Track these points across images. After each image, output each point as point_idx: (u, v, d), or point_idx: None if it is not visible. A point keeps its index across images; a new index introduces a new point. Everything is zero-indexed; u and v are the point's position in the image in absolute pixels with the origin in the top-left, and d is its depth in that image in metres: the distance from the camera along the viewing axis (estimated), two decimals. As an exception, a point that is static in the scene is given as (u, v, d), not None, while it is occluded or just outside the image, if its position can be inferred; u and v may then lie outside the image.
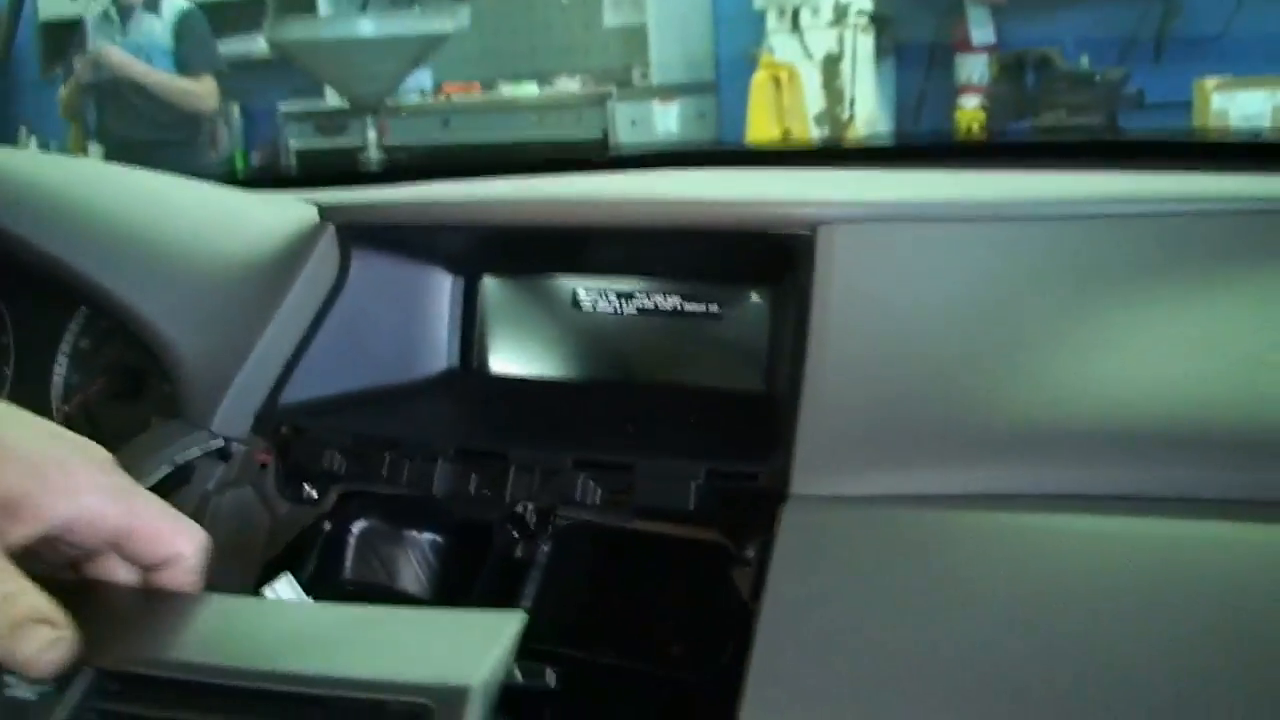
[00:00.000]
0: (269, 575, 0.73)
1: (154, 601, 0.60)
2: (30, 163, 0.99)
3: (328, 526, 0.79)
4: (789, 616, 0.56)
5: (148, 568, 0.61)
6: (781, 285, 0.78)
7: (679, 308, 0.82)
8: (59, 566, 0.63)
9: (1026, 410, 0.64)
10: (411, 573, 0.82)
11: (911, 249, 0.72)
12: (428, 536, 0.82)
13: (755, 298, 0.80)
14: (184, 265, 0.87)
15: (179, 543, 0.60)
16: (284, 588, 0.66)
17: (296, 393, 0.82)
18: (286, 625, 0.57)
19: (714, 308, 0.81)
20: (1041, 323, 0.68)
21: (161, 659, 0.53)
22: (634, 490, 0.70)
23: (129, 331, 0.86)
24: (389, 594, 0.80)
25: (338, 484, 0.80)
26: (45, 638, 0.53)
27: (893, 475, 0.63)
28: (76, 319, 0.98)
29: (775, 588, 0.58)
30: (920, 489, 0.62)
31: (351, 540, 0.81)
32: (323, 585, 0.77)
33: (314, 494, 0.80)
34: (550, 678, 0.54)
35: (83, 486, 0.58)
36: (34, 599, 0.54)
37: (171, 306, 0.85)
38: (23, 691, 0.52)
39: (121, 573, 0.61)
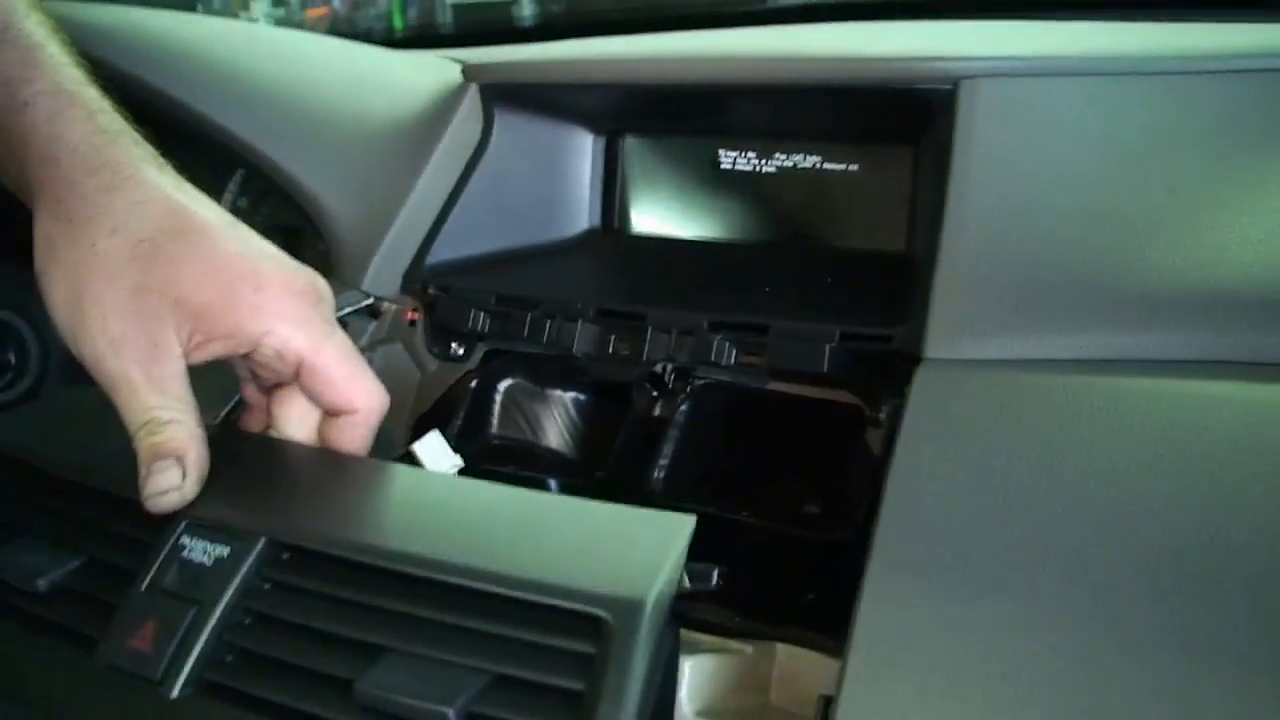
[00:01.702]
0: (419, 431, 0.76)
1: (329, 468, 0.62)
2: (186, 25, 1.01)
3: (474, 383, 0.82)
4: (918, 478, 0.56)
5: (327, 411, 0.63)
6: (922, 142, 0.76)
7: (818, 166, 0.81)
8: (254, 399, 0.65)
9: (1172, 274, 0.62)
10: (554, 429, 0.84)
11: (1055, 105, 0.69)
12: (570, 394, 0.84)
13: (896, 155, 0.79)
14: (333, 127, 0.89)
15: (357, 394, 0.62)
16: (433, 442, 0.69)
17: (442, 252, 0.84)
18: (459, 508, 0.58)
19: (854, 166, 0.80)
20: (1188, 183, 0.66)
21: (334, 535, 0.55)
22: (768, 351, 0.70)
23: (284, 192, 0.89)
24: (532, 450, 0.83)
25: (483, 342, 0.82)
26: (171, 481, 0.56)
27: (1029, 339, 0.61)
28: (235, 179, 1.01)
29: (905, 450, 0.57)
30: (1057, 353, 0.61)
31: (497, 397, 0.83)
32: (469, 440, 0.79)
33: (460, 351, 0.83)
34: (715, 578, 0.54)
35: (275, 311, 0.59)
36: (182, 433, 0.57)
37: (322, 168, 0.87)
38: (198, 555, 0.55)
39: (301, 411, 0.63)
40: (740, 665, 0.63)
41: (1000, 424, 0.58)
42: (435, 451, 0.69)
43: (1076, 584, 0.51)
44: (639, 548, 0.52)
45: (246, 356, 0.61)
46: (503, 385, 0.83)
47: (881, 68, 0.73)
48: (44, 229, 0.58)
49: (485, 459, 0.77)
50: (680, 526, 0.53)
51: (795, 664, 0.63)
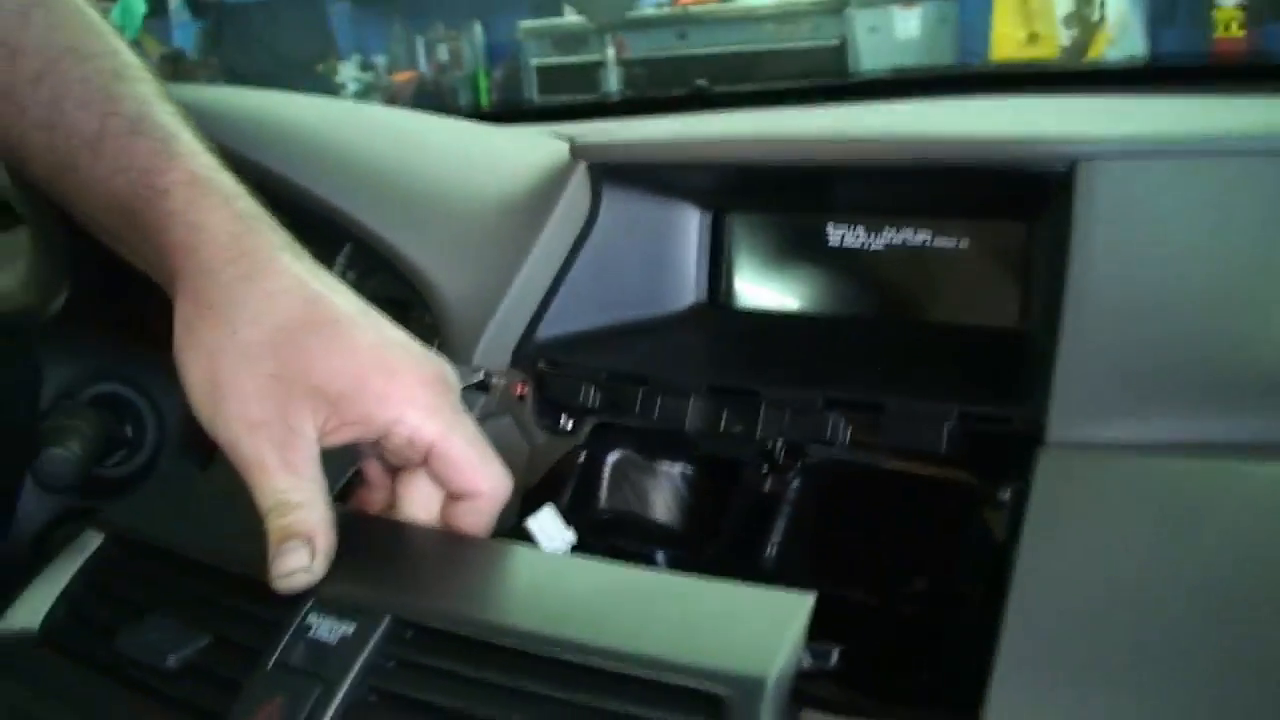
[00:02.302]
0: (528, 504, 0.77)
1: (451, 549, 0.63)
2: (290, 105, 1.04)
3: (583, 457, 0.82)
4: (1046, 563, 0.56)
5: (451, 495, 0.64)
6: (1037, 221, 0.76)
7: (928, 243, 0.81)
8: (376, 478, 0.66)
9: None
10: (663, 503, 0.84)
11: (1174, 185, 0.69)
12: (678, 468, 0.84)
13: (1008, 231, 0.78)
14: (441, 203, 0.91)
15: (483, 479, 0.63)
16: (547, 518, 0.69)
17: (551, 328, 0.85)
18: (579, 587, 0.58)
19: (964, 243, 0.80)
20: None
21: (458, 614, 0.55)
22: (884, 430, 0.69)
23: (392, 265, 0.91)
24: (641, 524, 0.83)
25: (592, 416, 0.82)
26: (299, 562, 0.57)
27: (1153, 423, 0.61)
28: (344, 253, 1.03)
29: (1031, 536, 0.57)
30: (1182, 437, 0.60)
31: (606, 470, 0.83)
32: (577, 513, 0.80)
33: (569, 425, 0.83)
34: (835, 657, 0.53)
35: (406, 399, 0.60)
36: (314, 517, 0.58)
37: (431, 244, 0.88)
38: (324, 634, 0.55)
39: (426, 493, 0.64)
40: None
41: (1127, 510, 0.57)
42: (549, 526, 0.69)
43: (1207, 676, 0.50)
44: (758, 625, 0.52)
45: (376, 442, 0.62)
46: (611, 458, 0.83)
47: (996, 149, 0.73)
48: (184, 314, 0.60)
49: (594, 532, 0.77)
50: (800, 605, 0.53)
51: (909, 745, 0.62)
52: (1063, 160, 0.69)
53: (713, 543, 0.75)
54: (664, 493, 0.84)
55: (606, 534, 0.79)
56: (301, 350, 0.58)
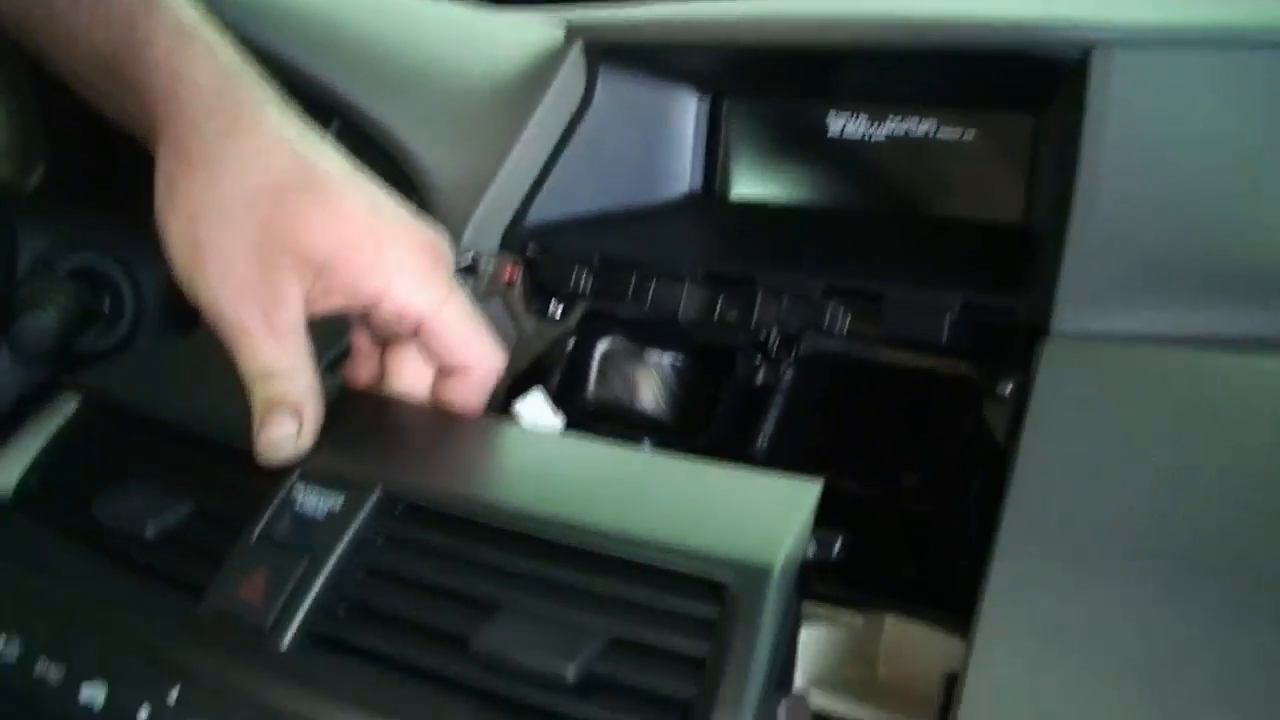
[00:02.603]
0: (516, 389, 0.75)
1: (442, 424, 0.61)
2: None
3: (572, 344, 0.81)
4: (1047, 454, 0.55)
5: (441, 369, 0.62)
6: (1046, 111, 0.74)
7: (932, 133, 0.79)
8: (365, 348, 0.64)
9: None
10: (651, 393, 0.82)
11: (1190, 76, 0.67)
12: (669, 358, 0.82)
13: (1015, 124, 0.76)
14: (433, 84, 0.88)
15: (475, 353, 0.61)
16: (536, 402, 0.67)
17: (542, 212, 0.83)
18: (576, 467, 0.56)
19: (969, 134, 0.78)
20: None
21: (450, 491, 0.54)
22: (884, 320, 0.68)
23: (381, 144, 0.88)
24: (629, 414, 0.82)
25: (583, 302, 0.80)
26: (286, 432, 0.55)
27: (1160, 315, 0.60)
28: (331, 128, 1.00)
29: (1033, 426, 0.56)
30: (1188, 330, 0.59)
31: (595, 358, 0.82)
32: (565, 401, 0.78)
33: (558, 311, 0.82)
34: (838, 547, 0.52)
35: (396, 269, 0.58)
36: (300, 385, 0.56)
37: (422, 123, 0.86)
38: (310, 507, 0.54)
39: (417, 369, 0.62)
40: (850, 637, 0.62)
41: (1131, 402, 0.56)
42: (538, 410, 0.67)
43: (1211, 562, 0.49)
44: (764, 512, 0.51)
45: (364, 313, 0.60)
46: (601, 346, 0.82)
47: (1007, 33, 0.71)
48: (166, 169, 0.57)
49: (581, 420, 0.76)
50: (807, 491, 0.51)
51: (903, 638, 0.61)
52: (1077, 46, 0.67)
53: (703, 433, 0.74)
54: (654, 382, 0.82)
55: (594, 423, 0.78)
56: (287, 212, 0.56)
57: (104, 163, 0.97)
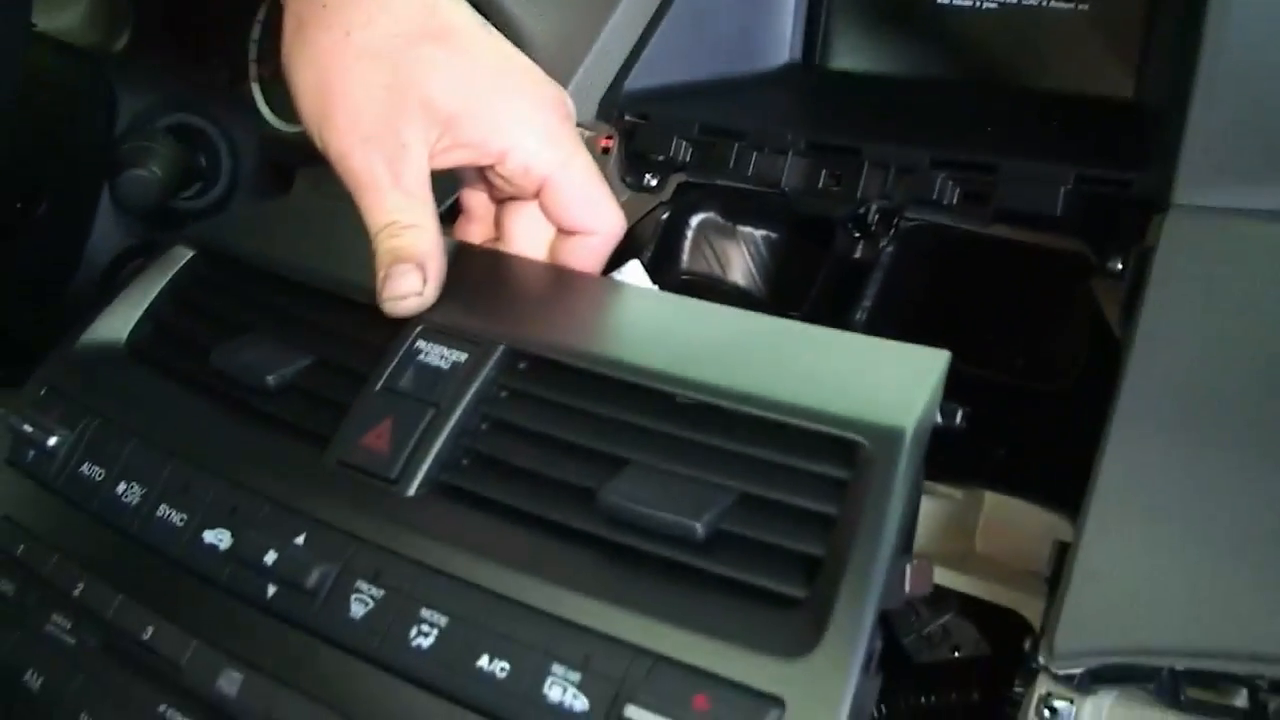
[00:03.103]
0: (607, 262, 0.75)
1: (564, 283, 0.61)
2: None
3: (665, 216, 0.80)
4: (1169, 329, 0.54)
5: (561, 230, 0.62)
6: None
7: (1044, 2, 0.77)
8: (479, 209, 0.64)
9: None
10: (744, 267, 0.82)
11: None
12: (762, 232, 0.82)
13: (1131, -5, 0.75)
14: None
15: (597, 216, 0.60)
16: (633, 272, 0.67)
17: (640, 80, 0.82)
18: (703, 329, 0.56)
19: (1083, 4, 0.76)
20: None
21: (575, 346, 0.53)
22: (996, 192, 0.67)
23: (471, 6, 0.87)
24: (721, 287, 0.81)
25: (679, 173, 0.80)
26: (411, 285, 0.55)
27: (1288, 190, 0.59)
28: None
29: (1154, 301, 0.55)
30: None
31: (689, 231, 0.82)
32: (657, 274, 0.78)
33: (654, 182, 0.81)
34: (961, 417, 0.51)
35: (525, 124, 0.58)
36: (425, 239, 0.55)
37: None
38: (434, 360, 0.53)
39: (536, 229, 0.62)
40: (949, 510, 0.62)
41: (1256, 276, 0.55)
42: (635, 282, 0.67)
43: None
44: (894, 378, 0.50)
45: (487, 168, 0.60)
46: (695, 219, 0.81)
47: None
48: (296, 12, 0.56)
49: (675, 293, 0.76)
50: (936, 359, 0.51)
51: (1001, 512, 0.62)
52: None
53: (795, 308, 0.73)
54: (747, 258, 0.82)
55: (689, 295, 0.77)
56: (417, 61, 0.55)
57: (190, 27, 0.97)
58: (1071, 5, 0.76)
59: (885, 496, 0.45)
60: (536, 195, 0.60)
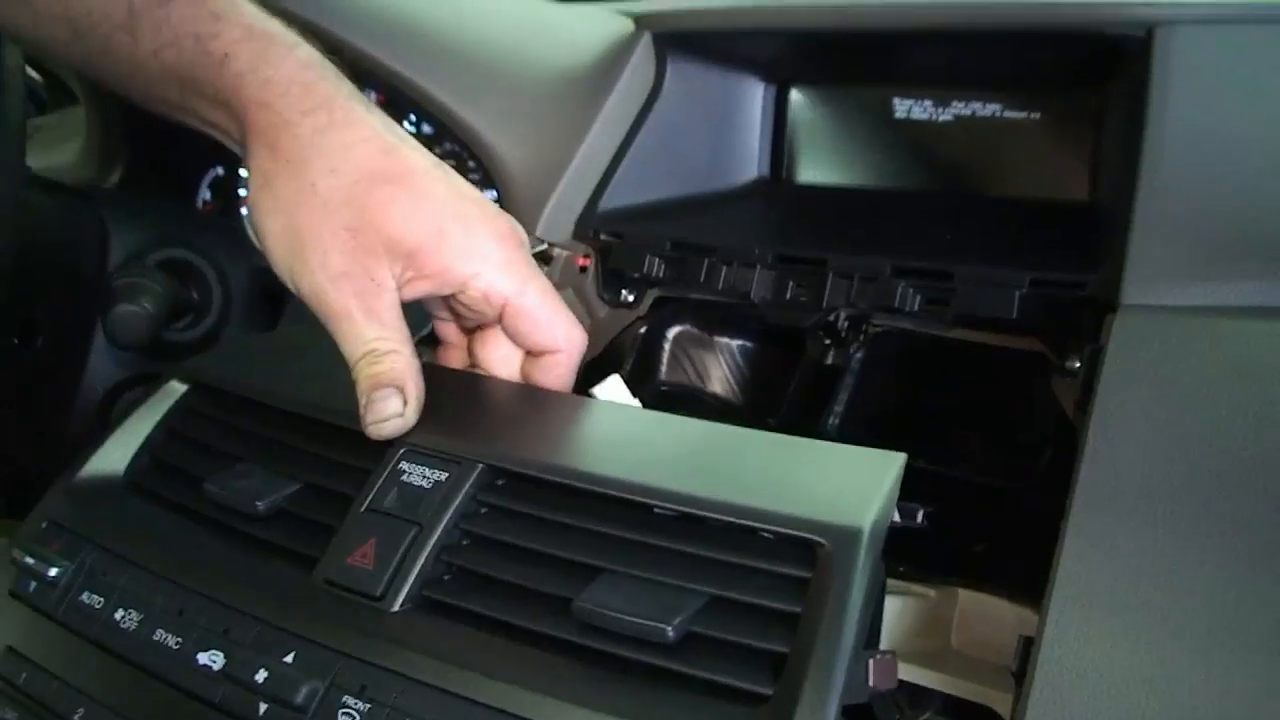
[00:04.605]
0: (588, 375, 0.77)
1: (537, 401, 0.63)
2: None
3: (643, 329, 0.83)
4: (1120, 424, 0.56)
5: (528, 352, 0.64)
6: (1110, 90, 0.75)
7: (998, 114, 0.81)
8: (453, 337, 0.67)
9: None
10: (721, 377, 0.85)
11: (1253, 52, 0.68)
12: (738, 342, 0.84)
13: (1080, 103, 0.78)
14: (506, 74, 0.91)
15: (559, 334, 0.64)
16: (613, 387, 0.70)
17: (614, 199, 0.85)
18: (669, 440, 0.59)
19: (1034, 115, 0.79)
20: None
21: (550, 461, 0.56)
22: (954, 297, 0.70)
23: (452, 137, 0.90)
24: (699, 397, 0.84)
25: (654, 288, 0.82)
26: (393, 409, 0.58)
27: (1227, 286, 0.61)
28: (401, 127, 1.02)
29: (1105, 398, 0.57)
30: (1256, 301, 0.60)
31: (666, 344, 0.84)
32: (638, 386, 0.80)
33: (631, 297, 0.84)
34: (921, 516, 0.54)
35: (482, 252, 0.61)
36: (402, 364, 0.58)
37: (496, 114, 0.88)
38: (417, 480, 0.56)
39: (504, 352, 0.65)
40: (924, 608, 0.64)
41: (1203, 372, 0.57)
42: (616, 395, 0.69)
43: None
44: (852, 480, 0.53)
45: (451, 297, 0.63)
46: (672, 332, 0.84)
47: (1071, 12, 0.72)
48: (260, 169, 0.60)
49: (655, 404, 0.78)
50: (891, 461, 0.53)
51: (976, 608, 0.63)
52: (1141, 24, 0.68)
53: (771, 415, 0.76)
54: (723, 367, 0.84)
55: (665, 408, 0.80)
56: (379, 202, 0.59)
57: (183, 163, 1.00)
58: (1025, 114, 0.79)
59: (845, 593, 0.47)
60: (500, 320, 0.63)
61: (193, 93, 0.61)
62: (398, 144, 0.61)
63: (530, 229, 0.84)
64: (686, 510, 0.52)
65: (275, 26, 0.62)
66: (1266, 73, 0.67)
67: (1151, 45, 0.68)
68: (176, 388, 0.68)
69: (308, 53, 0.62)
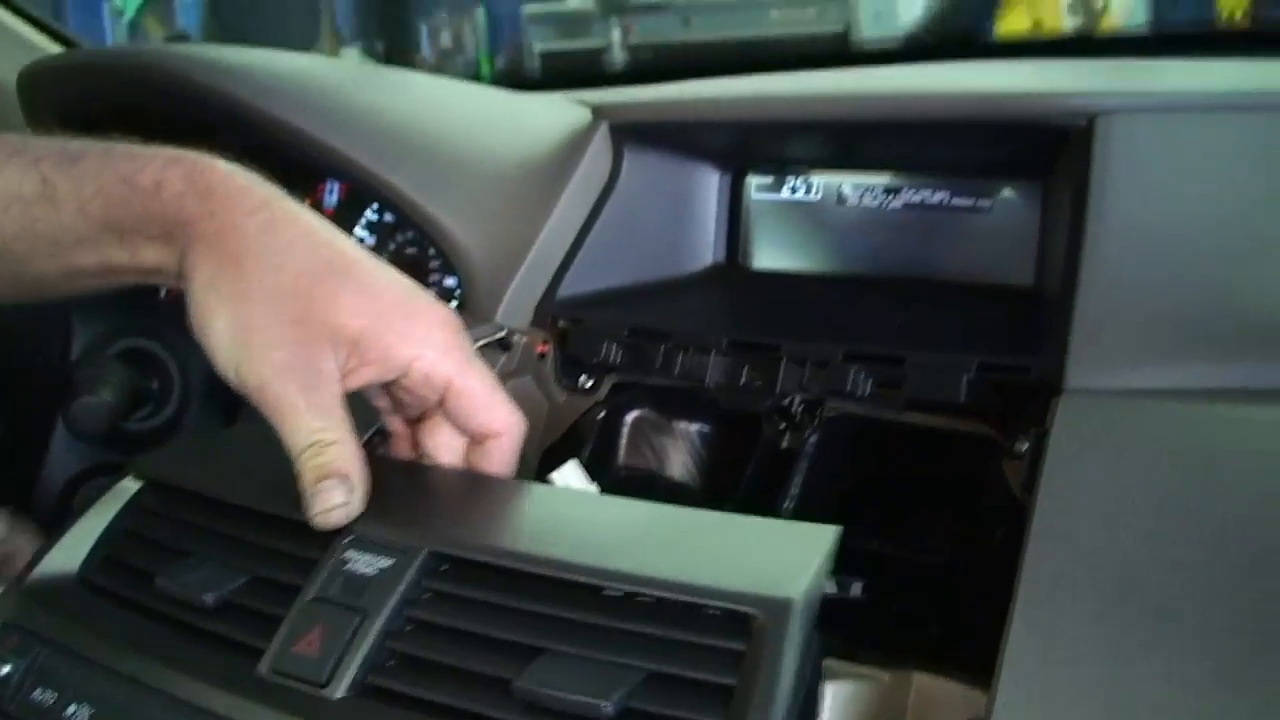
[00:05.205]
0: (548, 460, 0.78)
1: (479, 487, 0.64)
2: (317, 66, 1.05)
3: (602, 415, 0.83)
4: (1065, 507, 0.57)
5: (471, 438, 0.65)
6: (1053, 178, 0.77)
7: (946, 202, 0.82)
8: (397, 428, 0.68)
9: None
10: (680, 461, 0.85)
11: (1190, 140, 0.70)
12: (696, 426, 0.85)
13: (1025, 191, 0.80)
14: (466, 163, 0.92)
15: (499, 419, 0.65)
16: (571, 473, 0.70)
17: (572, 286, 0.86)
18: (607, 521, 0.60)
19: (983, 202, 0.81)
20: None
21: (492, 546, 0.57)
22: (905, 382, 0.71)
23: (413, 227, 0.92)
24: (658, 481, 0.84)
25: (612, 374, 0.83)
26: (338, 499, 0.59)
27: (1169, 370, 0.62)
28: (365, 214, 1.04)
29: (1050, 481, 0.58)
30: (1196, 384, 0.61)
31: (625, 429, 0.85)
32: (596, 471, 0.81)
33: (589, 383, 0.84)
34: (858, 588, 0.55)
35: (424, 337, 0.62)
36: (346, 454, 0.59)
37: (456, 202, 0.89)
38: (362, 568, 0.57)
39: (448, 439, 0.66)
40: (878, 692, 0.64)
41: (1146, 454, 0.58)
42: (573, 481, 0.70)
43: (1229, 614, 0.51)
44: (785, 553, 0.54)
45: (393, 384, 0.64)
46: (630, 417, 0.84)
47: (1016, 104, 0.74)
48: (204, 275, 0.61)
49: (613, 490, 0.79)
50: (825, 534, 0.55)
51: (931, 693, 0.63)
52: (1082, 114, 0.70)
53: (728, 499, 0.76)
54: (682, 451, 0.85)
55: (625, 492, 0.80)
56: (325, 293, 0.60)
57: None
58: (972, 202, 0.81)
59: (777, 663, 0.48)
60: (442, 404, 0.64)
61: (128, 238, 0.63)
62: (335, 238, 0.63)
63: (490, 316, 0.85)
64: (625, 588, 0.53)
65: (186, 151, 0.64)
66: (1203, 159, 0.69)
67: (1092, 135, 0.69)
68: (130, 485, 0.69)
69: (226, 164, 0.64)
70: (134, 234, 0.63)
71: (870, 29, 4.56)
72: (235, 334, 0.60)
